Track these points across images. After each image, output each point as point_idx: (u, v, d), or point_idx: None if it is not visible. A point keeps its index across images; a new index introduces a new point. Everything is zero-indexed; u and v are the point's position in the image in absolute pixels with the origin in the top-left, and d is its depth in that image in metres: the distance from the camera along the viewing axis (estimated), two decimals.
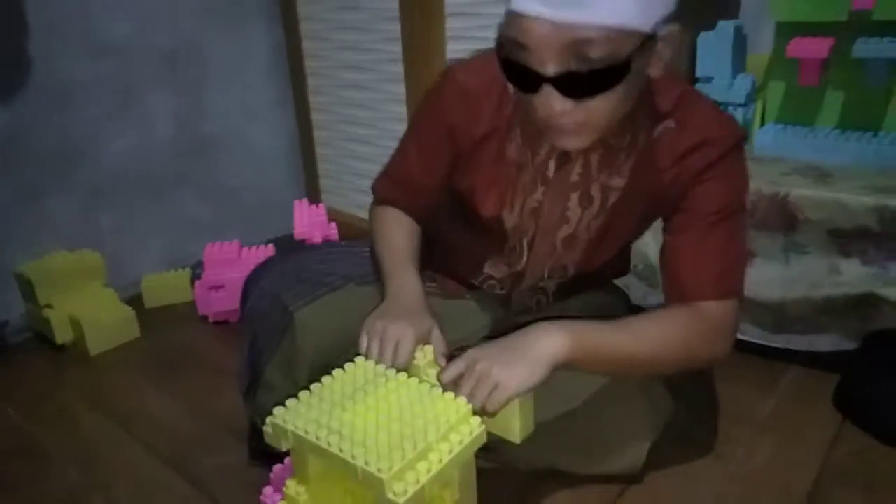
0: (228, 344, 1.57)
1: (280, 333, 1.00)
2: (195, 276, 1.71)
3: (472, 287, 1.09)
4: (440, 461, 0.69)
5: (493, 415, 0.75)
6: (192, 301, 1.76)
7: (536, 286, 1.03)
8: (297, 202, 1.73)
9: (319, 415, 0.74)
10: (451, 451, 0.70)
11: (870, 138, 1.38)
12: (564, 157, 0.88)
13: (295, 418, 0.74)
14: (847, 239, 1.22)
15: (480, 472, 1.03)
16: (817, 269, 1.26)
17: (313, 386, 0.79)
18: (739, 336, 1.38)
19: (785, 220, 1.27)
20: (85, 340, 1.52)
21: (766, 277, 1.32)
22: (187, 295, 1.78)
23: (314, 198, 2.14)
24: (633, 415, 0.97)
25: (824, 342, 1.30)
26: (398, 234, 0.99)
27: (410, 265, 0.94)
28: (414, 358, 0.83)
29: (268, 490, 0.89)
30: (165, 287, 1.76)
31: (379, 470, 0.66)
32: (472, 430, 0.73)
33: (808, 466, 1.07)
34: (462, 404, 0.74)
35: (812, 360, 1.33)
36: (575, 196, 0.89)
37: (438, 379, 0.80)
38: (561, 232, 0.93)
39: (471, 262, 1.05)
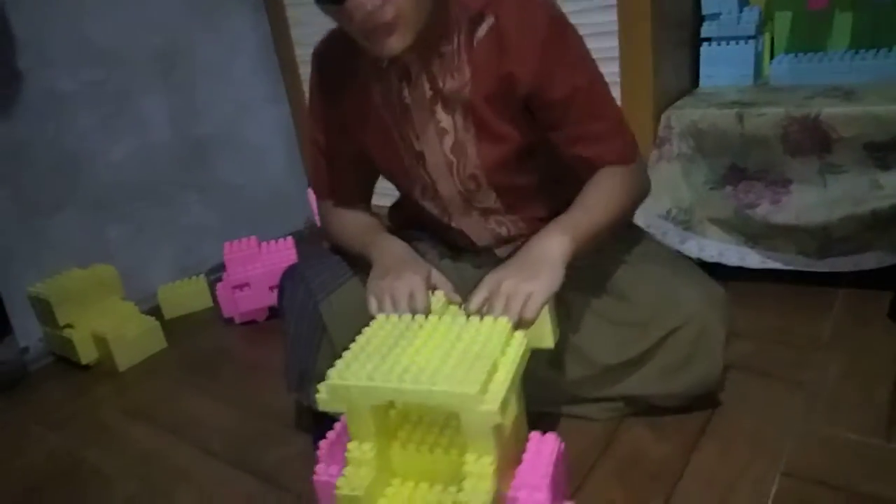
0: (260, 343, 1.52)
1: (319, 325, 1.02)
2: (214, 280, 1.67)
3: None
4: (509, 371, 0.73)
5: (528, 325, 0.80)
6: (212, 307, 1.72)
7: (473, 207, 1.01)
8: (311, 190, 1.68)
9: (379, 364, 0.74)
10: (514, 362, 0.75)
11: (885, 54, 1.37)
12: (409, 78, 0.91)
13: (354, 374, 0.74)
14: (884, 151, 1.21)
15: (562, 424, 1.02)
16: (858, 187, 1.25)
17: (351, 347, 0.80)
18: (784, 266, 1.38)
19: (818, 141, 1.26)
20: (112, 357, 1.46)
21: (807, 202, 1.30)
22: (207, 301, 1.73)
23: None
24: (697, 311, 0.95)
25: (869, 260, 1.30)
26: (355, 222, 1.05)
27: (383, 231, 1.00)
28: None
29: (320, 468, 0.83)
30: (183, 295, 1.71)
31: (467, 389, 0.69)
32: (520, 342, 0.78)
33: (882, 379, 1.06)
34: (503, 322, 0.78)
35: (858, 280, 1.33)
36: (438, 107, 0.93)
37: (464, 311, 0.85)
38: (445, 143, 0.95)
39: (435, 225, 1.06)
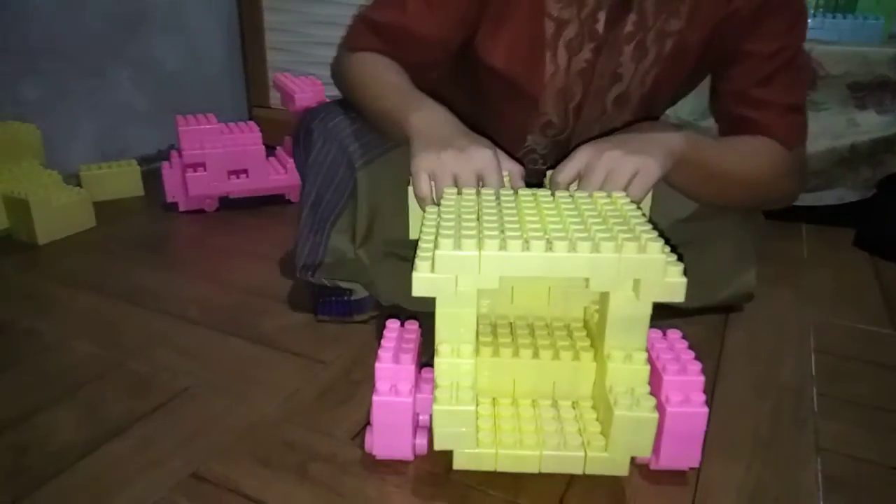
0: (215, 231, 1.34)
1: (347, 191, 0.88)
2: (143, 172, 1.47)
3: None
4: (652, 230, 0.59)
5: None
6: (143, 195, 1.50)
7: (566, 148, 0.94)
8: (277, 75, 1.51)
9: (496, 233, 0.57)
10: (651, 224, 0.60)
11: (852, 19, 1.49)
12: (617, 9, 0.79)
13: (471, 245, 0.55)
14: (865, 91, 1.31)
15: None
16: (836, 124, 1.34)
17: (425, 223, 0.63)
18: None
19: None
20: (31, 225, 1.21)
21: None
22: (138, 188, 1.51)
23: (259, 95, 1.91)
24: (733, 228, 0.92)
25: (830, 196, 1.40)
26: (392, 74, 0.81)
27: (424, 95, 0.78)
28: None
29: (382, 386, 0.63)
30: (112, 177, 1.47)
31: (650, 253, 0.55)
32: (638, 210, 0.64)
33: (868, 286, 1.15)
34: (618, 195, 0.66)
35: (815, 218, 1.42)
36: (628, 49, 0.81)
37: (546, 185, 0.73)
38: (612, 92, 0.85)
39: (511, 136, 0.93)
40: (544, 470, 0.60)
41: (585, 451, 0.59)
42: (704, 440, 0.66)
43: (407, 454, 0.66)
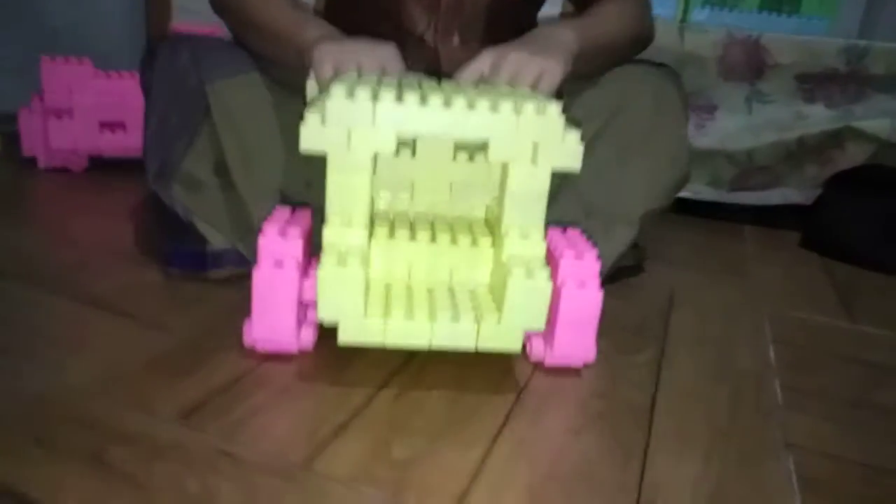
0: (77, 189, 1.12)
1: (199, 112, 0.77)
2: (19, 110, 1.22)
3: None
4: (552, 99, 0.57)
5: None
6: None
7: (457, 28, 0.85)
8: (176, 25, 1.32)
9: (395, 93, 0.55)
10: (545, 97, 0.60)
11: (797, 17, 1.43)
12: None
13: (367, 96, 0.53)
14: (812, 83, 1.23)
15: None
16: (782, 117, 1.26)
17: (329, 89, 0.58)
18: (694, 197, 1.34)
19: (754, 66, 1.25)
20: None
21: (732, 127, 1.29)
22: None
23: None
24: (649, 79, 0.83)
25: (776, 196, 1.31)
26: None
27: (316, 17, 0.78)
28: None
29: (265, 261, 0.58)
30: None
31: (548, 114, 0.54)
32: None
33: (819, 281, 1.04)
34: (520, 89, 0.65)
35: (757, 220, 1.34)
36: None
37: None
38: None
39: (389, 21, 0.85)
40: (435, 344, 0.56)
41: (478, 324, 0.56)
42: (650, 427, 0.56)
43: (290, 345, 0.60)
